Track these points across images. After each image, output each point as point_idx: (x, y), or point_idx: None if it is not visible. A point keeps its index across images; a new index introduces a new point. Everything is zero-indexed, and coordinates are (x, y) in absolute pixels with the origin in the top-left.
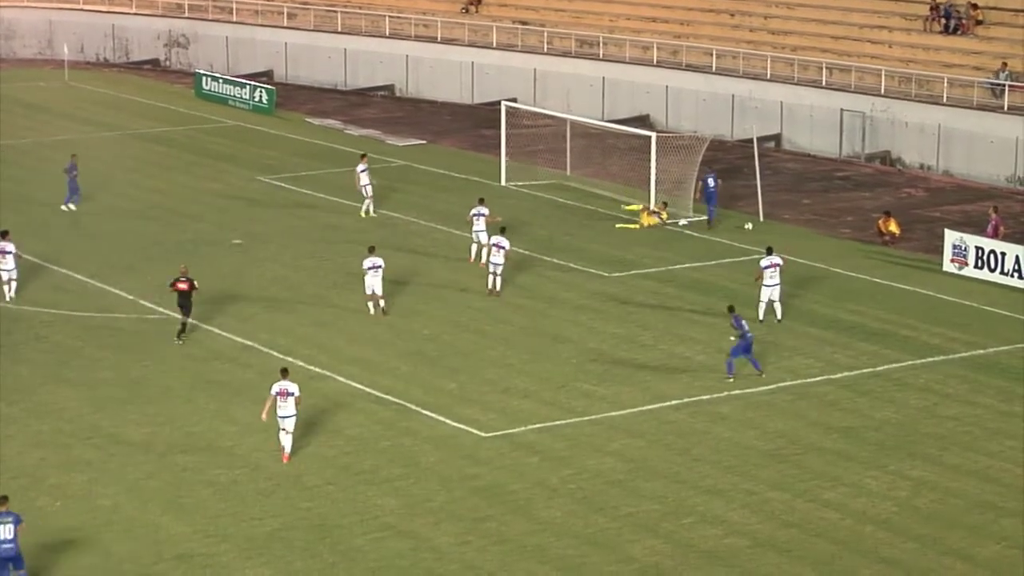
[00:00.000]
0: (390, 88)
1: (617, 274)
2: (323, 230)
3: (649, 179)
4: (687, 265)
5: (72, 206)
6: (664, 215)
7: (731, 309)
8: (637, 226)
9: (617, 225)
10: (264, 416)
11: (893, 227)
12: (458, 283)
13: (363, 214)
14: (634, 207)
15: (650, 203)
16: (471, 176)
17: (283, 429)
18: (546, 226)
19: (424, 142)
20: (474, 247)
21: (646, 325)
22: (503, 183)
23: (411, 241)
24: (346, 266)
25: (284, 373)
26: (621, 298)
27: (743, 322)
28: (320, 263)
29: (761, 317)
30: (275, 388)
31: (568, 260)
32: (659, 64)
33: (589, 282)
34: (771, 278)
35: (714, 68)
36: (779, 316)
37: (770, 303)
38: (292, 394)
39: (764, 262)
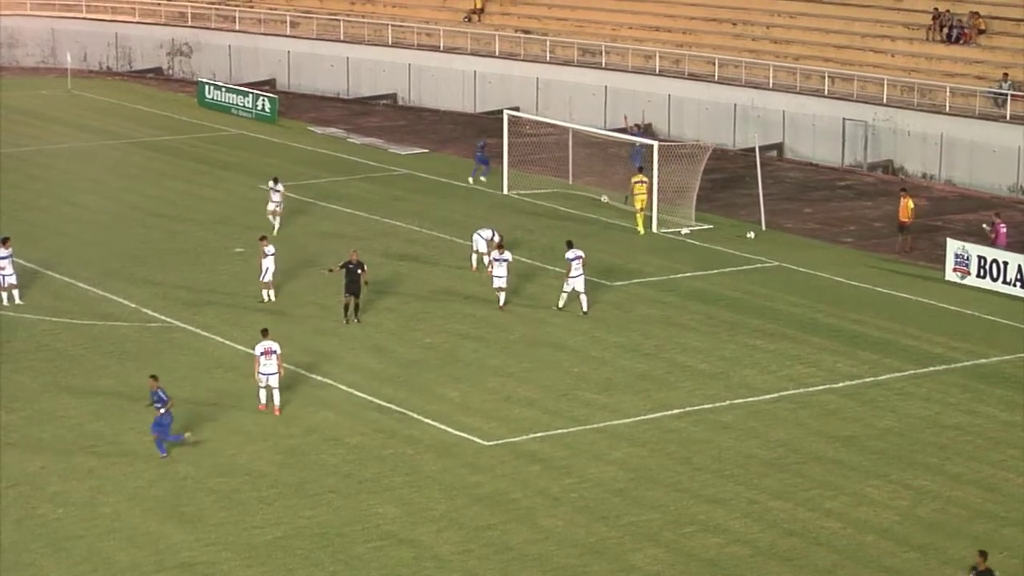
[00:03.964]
0: (392, 97)
1: (619, 283)
2: (324, 239)
3: (651, 187)
4: (689, 274)
5: (482, 178)
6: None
7: (154, 377)
8: (642, 230)
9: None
10: (256, 375)
11: (909, 209)
12: (460, 291)
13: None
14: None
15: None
16: (473, 185)
17: (269, 385)
18: (548, 235)
19: (426, 151)
20: (475, 256)
21: (648, 334)
22: (505, 192)
23: (413, 249)
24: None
25: (265, 333)
26: (623, 307)
27: (162, 394)
28: (318, 266)
29: (560, 305)
30: (259, 348)
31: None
32: (661, 73)
33: (591, 291)
34: (576, 270)
35: (716, 77)
36: (584, 308)
37: (575, 294)
38: (275, 352)
39: (569, 255)
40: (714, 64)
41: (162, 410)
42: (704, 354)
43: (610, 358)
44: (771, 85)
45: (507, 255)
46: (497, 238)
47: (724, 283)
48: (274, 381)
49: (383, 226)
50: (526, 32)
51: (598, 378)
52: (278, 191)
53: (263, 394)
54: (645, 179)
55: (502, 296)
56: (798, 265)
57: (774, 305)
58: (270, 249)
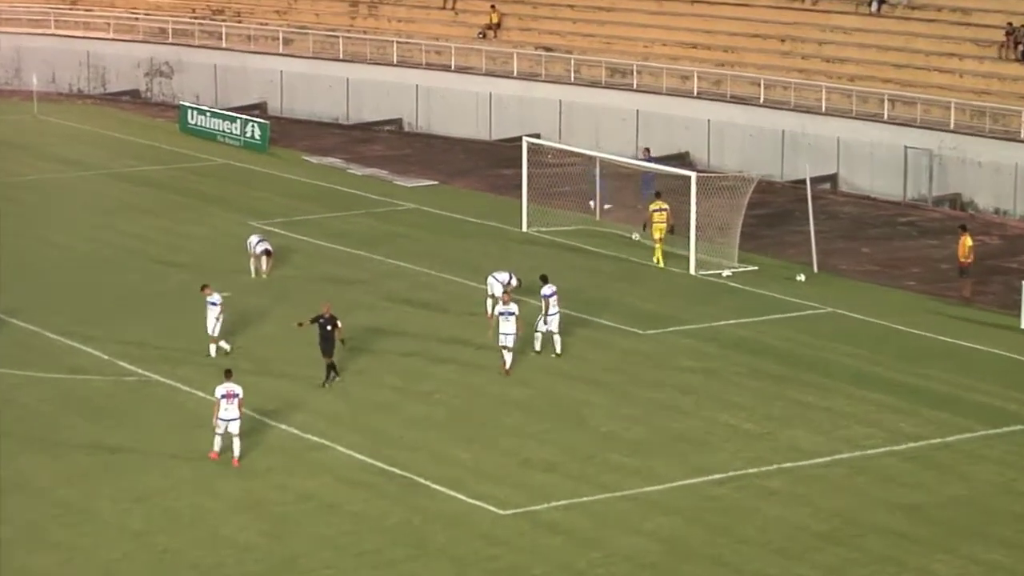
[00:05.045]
0: (398, 122)
1: (652, 331)
2: (320, 282)
3: (688, 224)
4: (731, 321)
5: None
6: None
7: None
8: (660, 263)
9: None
10: (215, 420)
11: (967, 248)
12: (473, 341)
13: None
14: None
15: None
16: (488, 220)
17: (228, 432)
18: (572, 277)
19: (436, 183)
20: (490, 301)
21: (685, 389)
22: (524, 228)
23: (421, 294)
24: (345, 319)
25: (228, 375)
26: (657, 358)
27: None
28: (313, 309)
29: (537, 348)
30: (220, 391)
31: (597, 315)
32: (700, 95)
33: (621, 340)
34: (553, 307)
35: (762, 100)
36: (558, 350)
37: (550, 335)
38: (237, 396)
39: (546, 290)
40: (759, 85)
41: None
42: (748, 412)
43: (642, 416)
44: (824, 109)
45: (514, 307)
46: (515, 282)
47: (771, 331)
48: (235, 427)
49: (386, 267)
50: (548, 50)
51: (628, 439)
52: (264, 245)
53: (219, 441)
54: (665, 206)
55: (508, 357)
56: (854, 311)
57: (827, 356)
58: (215, 299)
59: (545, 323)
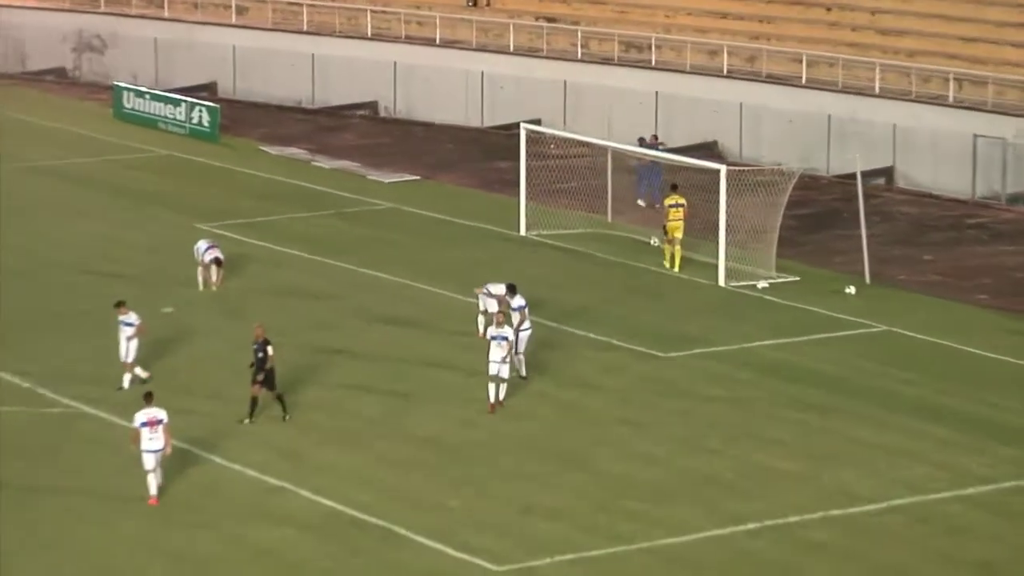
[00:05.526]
0: (372, 106)
1: (675, 353)
2: (281, 296)
3: (717, 227)
4: (768, 342)
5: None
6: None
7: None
8: (675, 268)
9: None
10: (136, 452)
11: None
12: (463, 365)
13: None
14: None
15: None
16: (480, 222)
17: (149, 470)
18: (580, 290)
19: (417, 178)
20: (482, 319)
21: (714, 422)
22: (523, 232)
23: (401, 309)
24: (310, 340)
25: (148, 399)
26: (681, 386)
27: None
28: (278, 339)
29: (524, 373)
30: (141, 417)
31: (610, 335)
32: (731, 74)
33: (638, 364)
34: (525, 323)
35: (804, 79)
36: (523, 372)
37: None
38: (162, 422)
39: (517, 301)
40: (801, 62)
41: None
42: (788, 449)
43: (663, 455)
44: (877, 90)
45: (508, 331)
46: (516, 300)
47: (815, 354)
48: (156, 460)
49: (360, 278)
50: (550, 20)
51: (647, 481)
52: (215, 252)
53: (153, 482)
54: (683, 201)
55: (499, 391)
56: (914, 330)
57: (882, 384)
58: (130, 319)
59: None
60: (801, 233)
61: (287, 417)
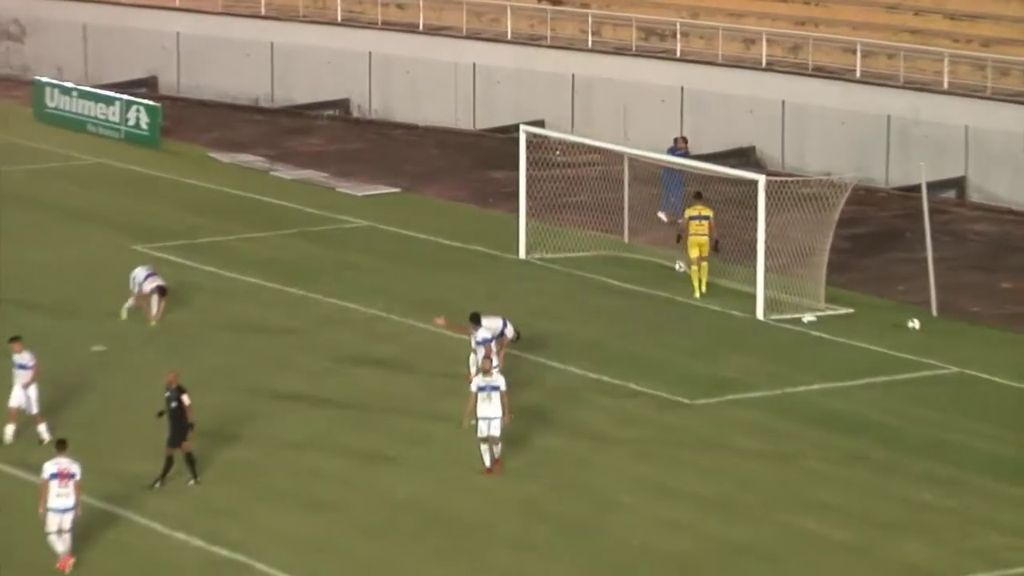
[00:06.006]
0: (343, 104)
1: (705, 400)
2: (232, 331)
3: (755, 249)
4: (816, 386)
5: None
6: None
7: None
8: (701, 289)
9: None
10: (41, 511)
11: None
12: (451, 414)
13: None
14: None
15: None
16: (471, 244)
17: (58, 530)
18: (591, 324)
19: (397, 190)
20: (474, 358)
21: (750, 482)
22: (522, 255)
23: (377, 348)
24: (269, 385)
25: (62, 447)
26: (711, 439)
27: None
28: (228, 380)
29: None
30: (50, 468)
31: (627, 377)
32: (770, 67)
33: (660, 412)
34: (494, 359)
35: (858, 73)
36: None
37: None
38: (74, 476)
39: (481, 334)
40: (855, 52)
41: None
42: (840, 515)
43: (689, 521)
44: (946, 86)
45: (500, 380)
46: (511, 333)
47: (871, 401)
48: (69, 521)
49: (327, 311)
50: (555, 3)
51: (671, 554)
52: (157, 280)
53: (58, 544)
54: (708, 212)
55: (492, 453)
56: (989, 373)
57: (952, 437)
58: (24, 359)
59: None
60: (855, 256)
61: (195, 482)
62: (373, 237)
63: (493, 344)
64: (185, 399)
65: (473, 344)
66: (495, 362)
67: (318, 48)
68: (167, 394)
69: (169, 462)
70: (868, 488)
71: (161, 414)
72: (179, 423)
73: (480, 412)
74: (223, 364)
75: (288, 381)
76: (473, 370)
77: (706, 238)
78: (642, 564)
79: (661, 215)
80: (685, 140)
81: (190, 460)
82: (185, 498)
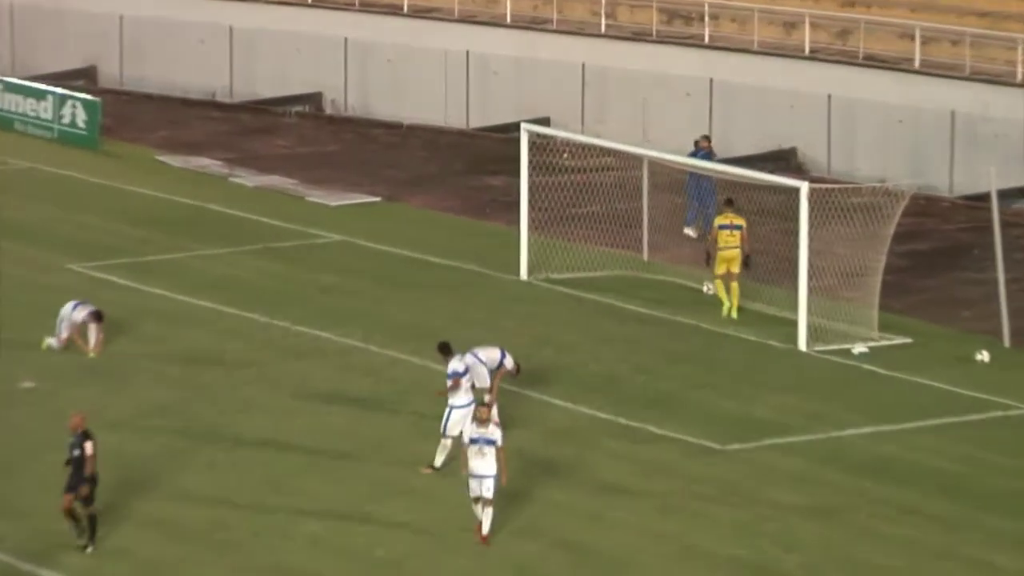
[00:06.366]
0: (315, 99)
1: (738, 445)
2: (184, 364)
3: (796, 268)
4: (867, 430)
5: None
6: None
7: None
8: (726, 310)
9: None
10: None
11: None
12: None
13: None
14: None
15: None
16: (463, 262)
17: None
18: (605, 356)
19: (377, 200)
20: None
21: (791, 540)
22: (524, 276)
23: (353, 384)
24: (225, 427)
25: None
26: (745, 491)
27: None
28: (177, 421)
29: (438, 463)
30: None
31: (646, 419)
32: (813, 55)
33: (687, 460)
34: (462, 397)
35: (917, 63)
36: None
37: (457, 440)
38: None
39: (454, 366)
40: (913, 39)
41: None
42: None
43: None
44: (1020, 78)
45: (497, 434)
46: (510, 364)
47: (932, 446)
48: None
49: (294, 340)
50: None
51: None
52: (89, 307)
53: None
54: (740, 222)
55: (485, 517)
56: None
57: None
58: None
59: (450, 422)
60: (914, 277)
61: (89, 549)
62: (349, 254)
63: (491, 377)
64: (88, 448)
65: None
66: (493, 412)
67: (285, 33)
68: (70, 440)
69: (71, 515)
70: (928, 548)
71: (68, 463)
72: (79, 470)
73: (472, 468)
74: (172, 402)
75: (248, 423)
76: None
77: (737, 251)
78: None
79: (688, 231)
80: (708, 139)
81: (91, 519)
82: (124, 562)
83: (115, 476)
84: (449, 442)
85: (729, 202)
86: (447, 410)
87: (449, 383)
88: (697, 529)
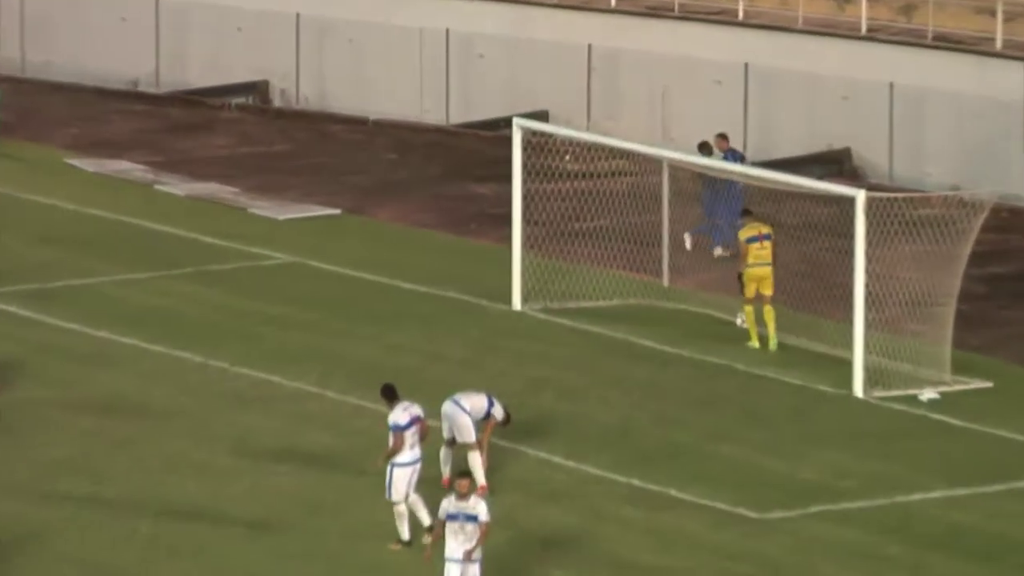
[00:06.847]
0: (260, 88)
1: (780, 513)
2: (99, 413)
3: (851, 295)
4: (937, 493)
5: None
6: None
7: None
8: (769, 345)
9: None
10: None
11: None
12: (412, 532)
13: None
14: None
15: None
16: (443, 289)
17: None
18: (616, 403)
19: (336, 212)
20: (445, 452)
21: None
22: (517, 305)
23: (307, 437)
24: (148, 491)
25: None
26: (788, 568)
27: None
28: (86, 484)
29: (405, 536)
30: None
31: (666, 481)
32: (871, 35)
33: (715, 531)
34: (409, 454)
35: (999, 44)
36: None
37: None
38: None
39: (397, 417)
40: (994, 15)
41: None
42: None
43: None
44: None
45: (481, 508)
46: (499, 414)
47: (1015, 514)
48: None
49: (234, 384)
50: None
51: None
52: None
53: None
54: (768, 230)
55: None
56: None
57: None
58: None
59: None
60: (995, 307)
61: None
62: (301, 279)
63: (476, 431)
64: None
65: (446, 434)
66: (480, 478)
67: (224, 8)
68: None
69: None
70: None
71: None
72: None
73: (448, 551)
74: (80, 459)
75: (177, 487)
76: (446, 470)
77: (769, 268)
78: None
79: (719, 251)
80: (725, 138)
81: None
82: None
83: (10, 552)
84: (402, 507)
85: (747, 212)
86: (388, 469)
87: (391, 440)
88: None
